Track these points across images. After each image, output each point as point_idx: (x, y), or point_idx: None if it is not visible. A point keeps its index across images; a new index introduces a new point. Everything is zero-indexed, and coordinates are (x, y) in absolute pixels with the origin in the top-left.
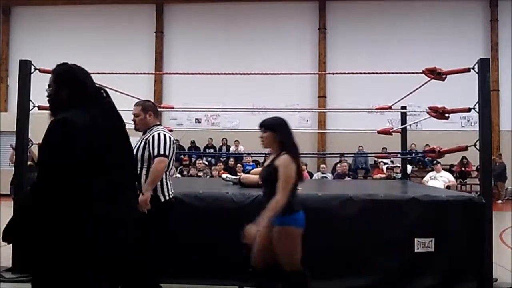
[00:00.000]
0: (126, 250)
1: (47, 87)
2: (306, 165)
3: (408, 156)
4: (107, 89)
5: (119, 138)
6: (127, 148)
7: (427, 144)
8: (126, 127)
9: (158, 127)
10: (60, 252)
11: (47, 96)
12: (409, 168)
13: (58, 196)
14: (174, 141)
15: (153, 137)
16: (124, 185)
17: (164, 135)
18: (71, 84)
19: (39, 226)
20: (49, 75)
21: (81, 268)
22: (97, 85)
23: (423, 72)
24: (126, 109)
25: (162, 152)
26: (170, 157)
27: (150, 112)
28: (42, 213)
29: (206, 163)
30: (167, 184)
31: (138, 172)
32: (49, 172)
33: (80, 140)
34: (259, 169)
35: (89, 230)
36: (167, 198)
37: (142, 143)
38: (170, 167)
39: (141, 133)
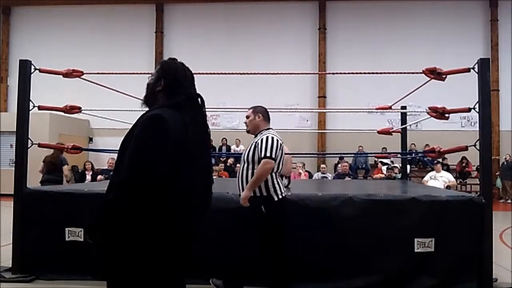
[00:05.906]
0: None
1: (150, 74)
2: (304, 164)
3: (408, 156)
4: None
5: (202, 148)
6: (207, 158)
7: (427, 144)
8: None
9: (268, 130)
10: (144, 256)
11: (147, 83)
12: (408, 168)
13: (148, 197)
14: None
15: (261, 140)
16: (200, 193)
17: (272, 138)
18: (167, 79)
19: (127, 226)
20: (49, 75)
21: (163, 273)
22: (196, 93)
23: (423, 72)
24: (126, 108)
25: (268, 154)
26: (277, 159)
27: (259, 114)
28: (131, 214)
29: None
30: (278, 184)
31: (245, 172)
32: (140, 170)
33: (170, 141)
34: None
35: (172, 233)
36: (280, 197)
37: (253, 146)
38: (280, 168)
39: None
